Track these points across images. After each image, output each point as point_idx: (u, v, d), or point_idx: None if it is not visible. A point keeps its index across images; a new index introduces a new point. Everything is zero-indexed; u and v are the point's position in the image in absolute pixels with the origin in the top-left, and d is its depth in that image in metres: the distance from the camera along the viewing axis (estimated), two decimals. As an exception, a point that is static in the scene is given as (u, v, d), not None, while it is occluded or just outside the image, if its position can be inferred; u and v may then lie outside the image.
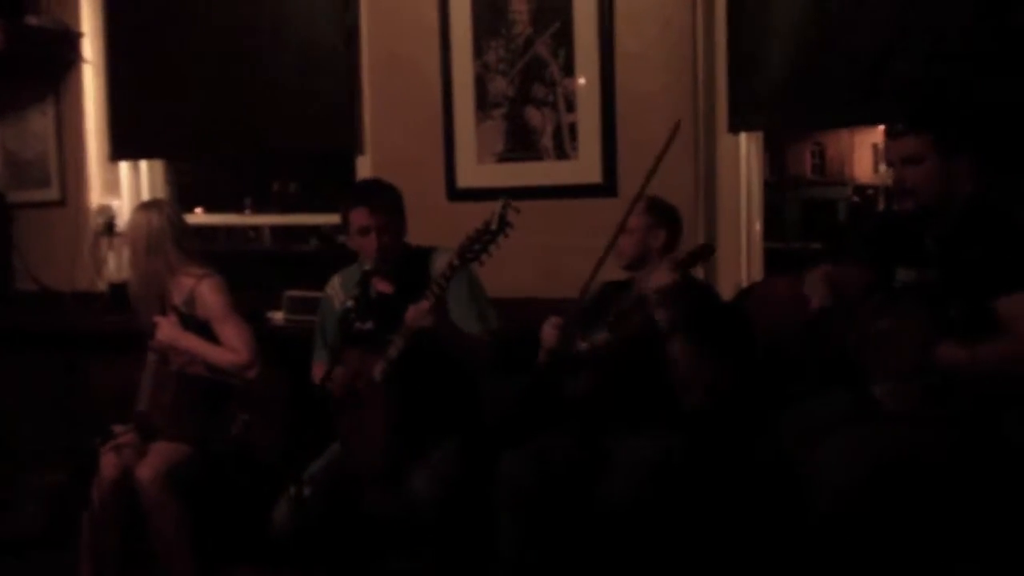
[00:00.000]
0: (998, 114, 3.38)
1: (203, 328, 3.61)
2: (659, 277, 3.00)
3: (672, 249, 3.28)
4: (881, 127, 3.10)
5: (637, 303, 3.07)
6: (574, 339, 3.14)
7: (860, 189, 16.49)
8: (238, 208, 5.94)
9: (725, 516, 3.04)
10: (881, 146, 12.75)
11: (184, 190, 5.24)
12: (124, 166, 5.02)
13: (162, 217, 3.69)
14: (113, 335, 4.33)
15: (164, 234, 3.67)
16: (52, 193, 5.07)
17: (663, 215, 3.30)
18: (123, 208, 4.97)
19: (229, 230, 6.43)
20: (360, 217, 3.26)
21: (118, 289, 4.66)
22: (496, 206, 2.81)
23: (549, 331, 3.18)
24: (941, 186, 2.78)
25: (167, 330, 3.61)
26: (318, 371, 3.48)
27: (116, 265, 4.95)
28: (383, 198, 3.31)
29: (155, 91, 4.80)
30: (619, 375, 3.11)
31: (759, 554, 2.97)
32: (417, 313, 2.99)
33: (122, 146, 4.95)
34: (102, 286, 4.87)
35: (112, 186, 5.03)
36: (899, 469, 2.62)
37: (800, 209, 16.48)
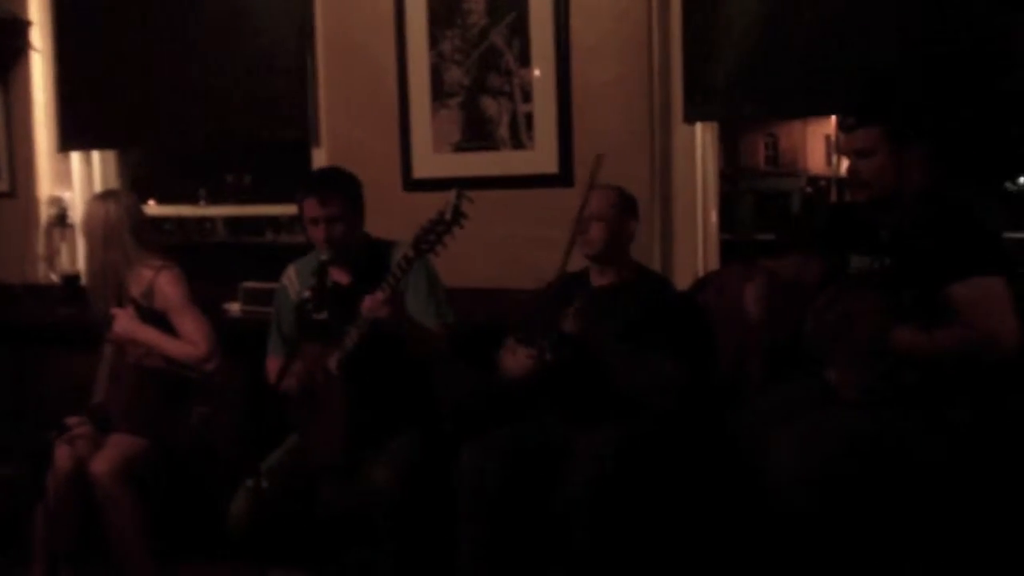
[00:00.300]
0: (948, 105, 3.42)
1: (161, 320, 3.58)
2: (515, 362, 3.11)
3: (632, 240, 3.31)
4: (834, 118, 3.14)
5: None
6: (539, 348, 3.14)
7: (813, 180, 16.63)
8: (191, 200, 5.89)
9: (685, 505, 3.07)
10: (834, 137, 12.88)
11: (136, 182, 5.19)
12: (76, 157, 4.97)
13: (120, 208, 3.65)
14: (67, 327, 4.30)
15: (122, 225, 3.63)
16: (1, 184, 5.00)
17: (633, 206, 3.32)
18: (75, 200, 4.92)
19: (181, 222, 6.38)
20: (311, 207, 3.24)
21: (72, 281, 4.63)
22: (450, 196, 2.80)
23: (514, 361, 3.18)
24: (893, 178, 2.81)
25: (125, 322, 3.57)
26: (272, 366, 3.46)
27: (69, 257, 4.90)
28: (336, 188, 3.28)
29: (104, 81, 4.76)
30: (578, 375, 3.12)
31: (721, 542, 3.00)
32: (373, 303, 2.97)
33: (70, 136, 4.90)
34: (55, 278, 4.81)
35: (64, 177, 4.98)
36: (853, 455, 2.65)
37: (753, 200, 16.59)
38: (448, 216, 2.79)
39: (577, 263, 3.26)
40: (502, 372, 3.25)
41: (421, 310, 3.23)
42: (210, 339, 3.54)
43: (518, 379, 3.16)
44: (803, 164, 16.95)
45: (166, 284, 3.59)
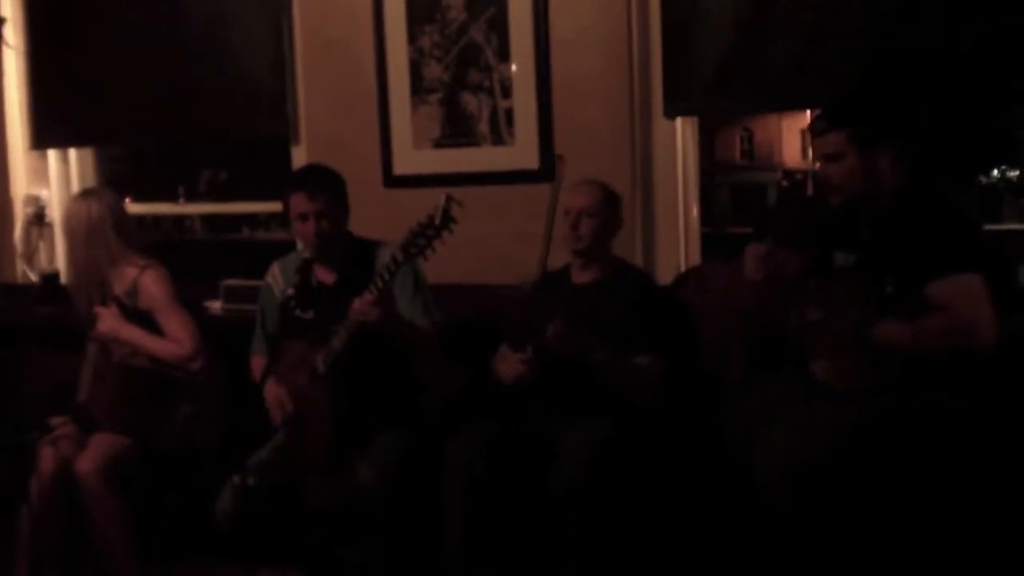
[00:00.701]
0: (916, 104, 3.45)
1: (146, 319, 3.56)
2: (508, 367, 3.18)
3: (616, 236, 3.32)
4: (809, 112, 3.16)
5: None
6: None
7: (789, 173, 16.73)
8: (168, 198, 5.87)
9: (673, 498, 3.09)
10: (809, 135, 12.95)
11: (112, 180, 5.16)
12: (53, 155, 4.93)
13: (102, 206, 3.62)
14: (46, 327, 4.27)
15: (104, 223, 3.60)
16: (-23, 183, 4.97)
17: (618, 201, 3.34)
18: (52, 198, 4.89)
19: (157, 220, 6.36)
20: (299, 203, 3.23)
21: (50, 280, 4.59)
22: (439, 200, 2.79)
23: (507, 367, 3.21)
24: (864, 181, 2.83)
25: (108, 321, 3.55)
26: (257, 364, 3.46)
27: (48, 256, 4.87)
28: (322, 184, 3.28)
29: (78, 78, 4.72)
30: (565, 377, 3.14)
31: (708, 536, 3.02)
32: (362, 306, 2.96)
33: (43, 134, 4.85)
34: (33, 277, 4.78)
35: (41, 175, 4.93)
36: (840, 448, 2.67)
37: (730, 194, 16.67)
38: (438, 221, 2.78)
39: (557, 260, 3.28)
40: (496, 377, 3.27)
41: (408, 310, 3.23)
42: (195, 338, 3.52)
43: (512, 383, 3.18)
44: (779, 157, 17.05)
45: (151, 283, 3.57)
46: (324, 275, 3.34)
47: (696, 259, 3.87)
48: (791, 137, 16.74)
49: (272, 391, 3.22)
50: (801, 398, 2.81)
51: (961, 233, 2.74)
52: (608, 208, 3.29)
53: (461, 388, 3.56)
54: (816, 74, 3.49)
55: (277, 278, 3.47)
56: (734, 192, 16.60)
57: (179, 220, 6.89)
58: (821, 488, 2.63)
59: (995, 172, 14.79)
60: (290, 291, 3.33)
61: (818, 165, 2.98)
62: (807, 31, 3.48)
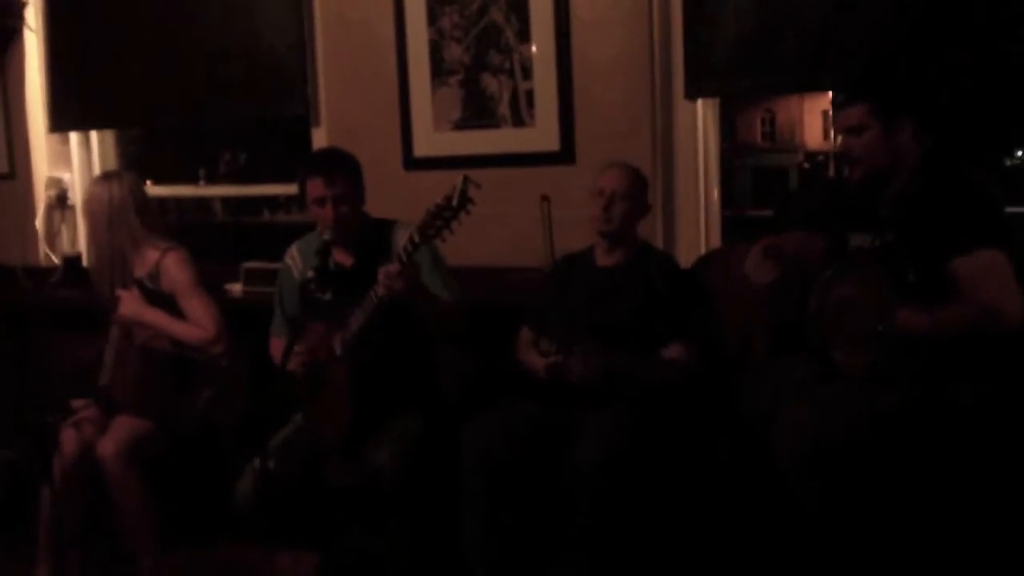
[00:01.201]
0: (937, 80, 3.41)
1: (168, 302, 3.57)
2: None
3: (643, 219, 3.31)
4: (831, 93, 3.14)
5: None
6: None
7: (811, 155, 16.64)
8: (187, 180, 5.87)
9: (693, 483, 3.07)
10: (831, 113, 12.88)
11: (131, 162, 5.17)
12: (74, 138, 4.95)
13: (123, 188, 3.62)
14: (69, 310, 4.28)
15: (126, 206, 3.60)
16: (-1, 166, 4.99)
17: (646, 184, 3.33)
18: (75, 180, 4.91)
19: (179, 203, 6.37)
20: (316, 187, 3.23)
21: (72, 262, 4.61)
22: (457, 181, 2.77)
23: (535, 359, 3.21)
24: (886, 154, 2.82)
25: (130, 304, 3.56)
26: (276, 347, 3.46)
27: (70, 238, 4.89)
28: (340, 167, 3.28)
29: (97, 60, 4.73)
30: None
31: (729, 520, 3.01)
32: (388, 275, 2.93)
33: (64, 117, 4.87)
34: (55, 260, 4.80)
35: (63, 158, 4.96)
36: (859, 433, 2.65)
37: (751, 176, 16.60)
38: (455, 202, 2.76)
39: (571, 242, 3.27)
40: (523, 367, 3.29)
41: (429, 284, 3.21)
42: (218, 321, 3.52)
43: (539, 374, 3.19)
44: (800, 139, 16.96)
45: (173, 265, 3.58)
46: (342, 257, 3.34)
47: (716, 242, 3.85)
48: (813, 119, 16.63)
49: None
50: (821, 382, 2.79)
51: (985, 209, 2.71)
52: (639, 191, 3.28)
53: (478, 370, 3.55)
54: (838, 55, 3.45)
55: (296, 260, 3.48)
56: (755, 174, 16.53)
57: (202, 203, 6.88)
58: (840, 471, 2.61)
59: (1020, 153, 14.68)
60: (309, 273, 3.33)
61: (839, 139, 2.96)
62: (830, 10, 3.44)
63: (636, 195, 3.26)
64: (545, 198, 3.25)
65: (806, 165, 16.54)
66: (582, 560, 2.96)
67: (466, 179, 2.75)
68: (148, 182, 5.17)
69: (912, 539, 2.70)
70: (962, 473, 2.69)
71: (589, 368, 3.03)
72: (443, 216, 2.78)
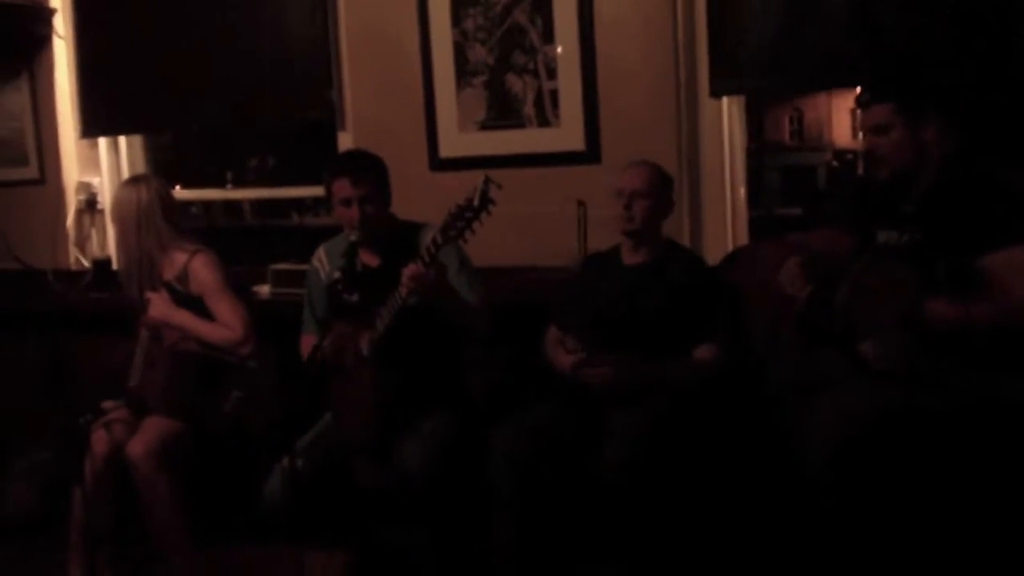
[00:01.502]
0: (964, 78, 3.39)
1: (196, 304, 3.59)
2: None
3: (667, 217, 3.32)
4: (859, 90, 3.12)
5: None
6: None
7: (839, 153, 16.52)
8: (215, 184, 5.91)
9: (720, 478, 3.07)
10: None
11: (159, 167, 5.21)
12: (103, 143, 5.00)
13: (151, 192, 3.65)
14: (98, 312, 4.32)
15: (154, 209, 3.63)
16: (30, 171, 5.04)
17: (670, 182, 3.33)
18: (104, 185, 4.96)
19: (208, 206, 6.41)
20: (342, 188, 3.24)
21: (102, 266, 4.65)
22: (478, 182, 2.77)
23: (564, 358, 3.23)
24: (911, 153, 2.81)
25: (159, 307, 3.59)
26: (306, 343, 3.48)
27: (99, 242, 4.94)
28: (366, 168, 3.29)
29: (126, 66, 4.77)
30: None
31: (754, 515, 3.00)
32: (413, 274, 2.94)
33: (93, 122, 4.92)
34: (86, 263, 4.85)
35: (92, 163, 5.01)
36: (886, 428, 2.64)
37: (780, 175, 16.50)
38: (476, 203, 2.76)
39: (597, 241, 3.27)
40: (551, 366, 3.29)
41: (455, 284, 3.22)
42: (246, 322, 3.54)
43: (565, 372, 3.19)
44: (828, 137, 16.85)
45: (201, 268, 3.60)
46: (369, 259, 3.35)
47: (743, 240, 3.84)
48: (841, 117, 16.53)
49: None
50: (849, 376, 2.78)
51: (1015, 205, 2.69)
52: (661, 189, 3.27)
53: (507, 369, 3.55)
54: (865, 51, 3.43)
55: (323, 261, 3.49)
56: (784, 174, 16.44)
57: (231, 207, 6.92)
58: (867, 468, 2.59)
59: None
60: (336, 274, 3.34)
61: (865, 138, 2.95)
62: (856, 7, 3.42)
63: (658, 193, 3.25)
64: (581, 203, 3.25)
65: (835, 163, 16.43)
66: (620, 569, 2.94)
67: (487, 179, 2.75)
68: (177, 186, 5.22)
69: (937, 538, 2.68)
70: (993, 474, 2.65)
71: (615, 384, 3.05)
72: (464, 217, 2.78)
